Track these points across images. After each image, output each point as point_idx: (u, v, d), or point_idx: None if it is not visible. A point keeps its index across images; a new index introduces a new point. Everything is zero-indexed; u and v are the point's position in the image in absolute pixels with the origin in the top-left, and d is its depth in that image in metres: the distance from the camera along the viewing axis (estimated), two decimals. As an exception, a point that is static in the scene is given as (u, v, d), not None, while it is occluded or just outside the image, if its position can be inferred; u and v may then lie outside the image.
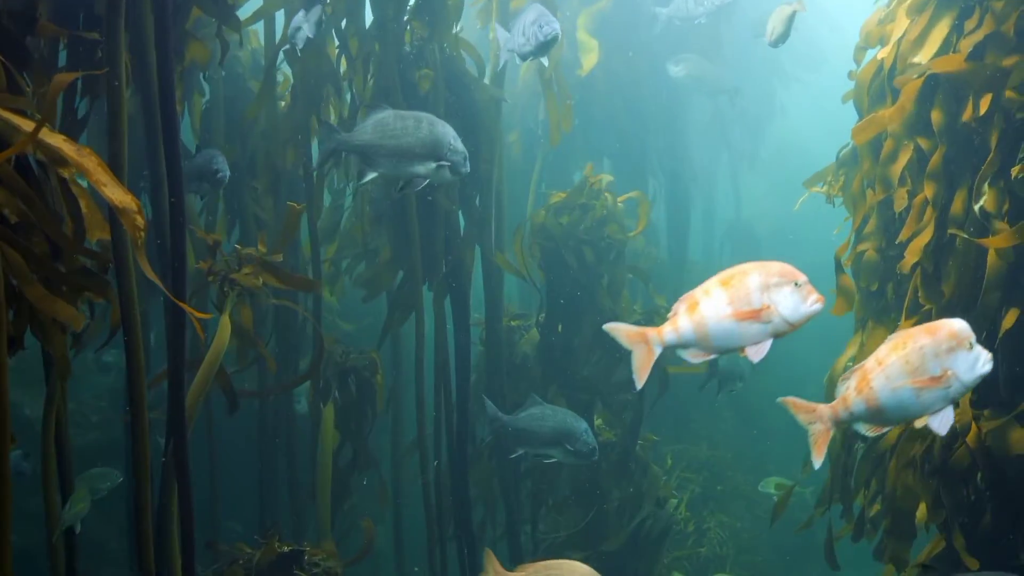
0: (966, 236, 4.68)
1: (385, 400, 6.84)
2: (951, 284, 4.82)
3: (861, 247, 5.47)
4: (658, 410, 7.73)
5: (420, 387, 6.61)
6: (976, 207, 4.65)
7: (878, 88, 5.33)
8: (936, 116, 4.84)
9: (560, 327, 7.16)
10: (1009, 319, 4.55)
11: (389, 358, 7.26)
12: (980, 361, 3.15)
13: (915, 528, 4.96)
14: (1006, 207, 4.58)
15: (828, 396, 3.41)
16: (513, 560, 6.50)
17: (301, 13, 5.86)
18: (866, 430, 3.28)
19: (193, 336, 4.51)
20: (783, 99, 12.99)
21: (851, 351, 5.57)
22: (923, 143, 4.96)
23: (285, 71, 6.65)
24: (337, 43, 6.30)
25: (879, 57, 5.33)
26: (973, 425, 4.63)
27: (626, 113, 10.64)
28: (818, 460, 3.27)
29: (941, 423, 3.19)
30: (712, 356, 3.17)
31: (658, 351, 3.16)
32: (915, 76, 4.94)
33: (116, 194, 3.15)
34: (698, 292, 3.13)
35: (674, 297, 3.26)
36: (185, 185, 4.59)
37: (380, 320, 7.05)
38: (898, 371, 3.16)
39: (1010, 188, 4.58)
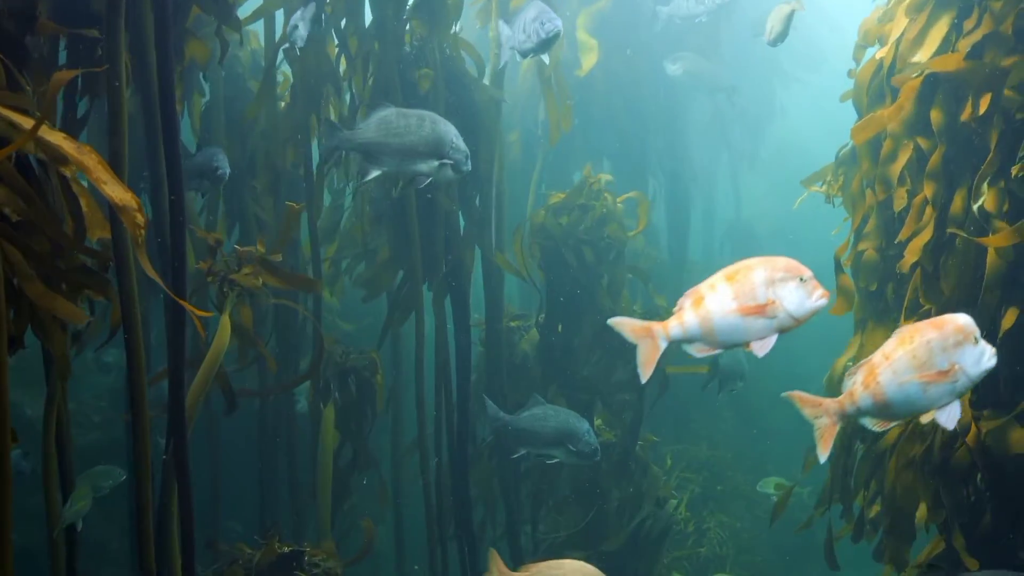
0: (966, 236, 4.68)
1: (385, 400, 6.84)
2: (951, 284, 4.81)
3: (861, 247, 5.47)
4: (658, 410, 7.73)
5: (420, 387, 6.60)
6: (976, 207, 4.65)
7: (877, 87, 5.33)
8: (935, 116, 4.84)
9: (560, 327, 7.16)
10: (1009, 318, 4.55)
11: (389, 358, 7.25)
12: (986, 355, 3.16)
13: (915, 528, 4.95)
14: (1006, 206, 4.58)
15: (828, 396, 3.40)
16: (514, 560, 6.49)
17: (299, 11, 5.86)
18: (872, 424, 3.29)
19: (193, 335, 4.51)
20: (783, 99, 12.96)
21: (851, 351, 5.57)
22: (922, 143, 4.96)
23: (285, 71, 6.66)
24: (337, 42, 6.30)
25: (878, 56, 5.33)
26: (973, 425, 4.63)
27: (626, 113, 10.62)
28: (823, 454, 3.27)
29: (948, 417, 3.20)
30: (717, 351, 3.17)
31: (663, 345, 3.16)
32: (914, 75, 4.94)
33: (116, 192, 3.15)
34: (703, 287, 3.12)
35: (674, 297, 3.26)
36: (185, 184, 4.58)
37: (380, 320, 7.05)
38: (905, 365, 3.16)
39: (1009, 188, 4.57)
